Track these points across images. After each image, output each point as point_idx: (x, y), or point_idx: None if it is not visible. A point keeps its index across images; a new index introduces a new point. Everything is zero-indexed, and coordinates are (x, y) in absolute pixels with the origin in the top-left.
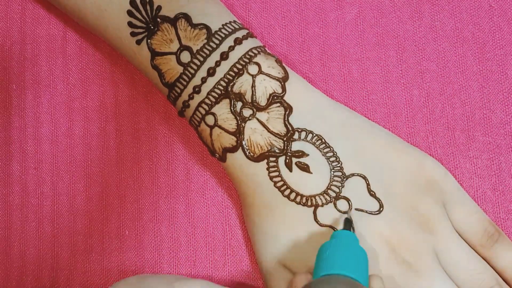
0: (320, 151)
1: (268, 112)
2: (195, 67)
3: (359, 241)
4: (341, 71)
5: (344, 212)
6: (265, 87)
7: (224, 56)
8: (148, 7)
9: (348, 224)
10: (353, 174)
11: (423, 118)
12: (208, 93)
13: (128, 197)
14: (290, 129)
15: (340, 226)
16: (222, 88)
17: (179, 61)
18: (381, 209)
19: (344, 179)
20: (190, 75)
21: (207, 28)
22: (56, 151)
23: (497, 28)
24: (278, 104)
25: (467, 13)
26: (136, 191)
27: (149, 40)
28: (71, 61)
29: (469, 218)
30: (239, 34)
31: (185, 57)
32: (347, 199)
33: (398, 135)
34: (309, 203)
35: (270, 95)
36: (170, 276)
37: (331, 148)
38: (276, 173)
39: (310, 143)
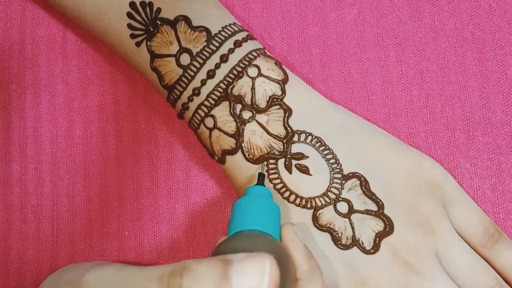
0: (320, 153)
1: (267, 114)
2: (194, 69)
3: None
4: (341, 72)
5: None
6: (265, 89)
7: (223, 58)
8: (147, 9)
9: (261, 178)
10: (353, 176)
11: (423, 119)
12: (208, 96)
13: (127, 198)
14: (290, 131)
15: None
16: (221, 90)
17: (178, 63)
18: (381, 210)
19: (344, 181)
20: (189, 77)
21: (207, 30)
22: (56, 151)
23: (497, 28)
24: (278, 106)
25: (467, 13)
26: (136, 191)
27: (148, 42)
28: (71, 61)
29: (470, 218)
30: (239, 36)
31: (185, 59)
32: (347, 201)
33: (398, 135)
34: (308, 205)
35: (269, 97)
36: (85, 264)
37: (331, 150)
38: (276, 175)
39: (310, 145)
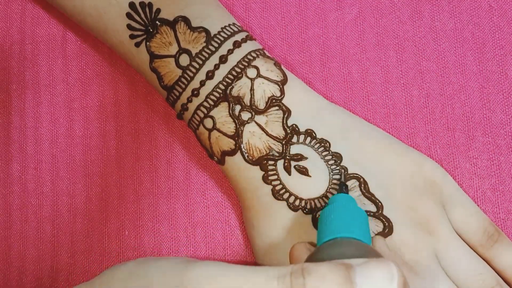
0: (319, 154)
1: (266, 116)
2: (194, 70)
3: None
4: (341, 72)
5: (339, 179)
6: (264, 90)
7: (223, 59)
8: (147, 10)
9: (344, 187)
10: (352, 177)
11: (423, 119)
12: (207, 96)
13: (127, 197)
14: (289, 132)
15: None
16: (220, 91)
17: (178, 64)
18: (380, 211)
19: None
20: (188, 78)
21: (206, 31)
22: (56, 151)
23: (497, 28)
24: (277, 108)
25: (467, 13)
26: (136, 191)
27: (148, 43)
28: (71, 61)
29: (469, 219)
30: (238, 37)
31: (184, 60)
32: None
33: (398, 135)
34: (308, 207)
35: (268, 98)
36: (175, 259)
37: (330, 151)
38: (275, 177)
39: (309, 146)
